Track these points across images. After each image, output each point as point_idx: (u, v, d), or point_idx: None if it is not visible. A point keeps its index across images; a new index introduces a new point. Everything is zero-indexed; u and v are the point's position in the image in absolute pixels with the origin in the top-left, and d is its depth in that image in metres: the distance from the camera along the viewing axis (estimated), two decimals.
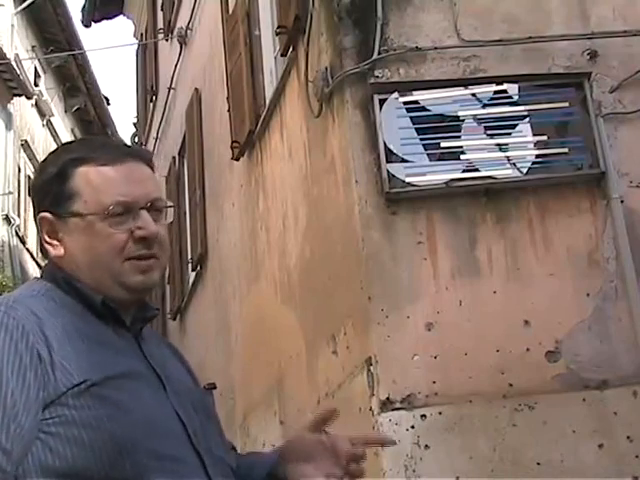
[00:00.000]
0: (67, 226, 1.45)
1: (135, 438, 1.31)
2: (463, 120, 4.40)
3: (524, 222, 4.34)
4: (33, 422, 1.26)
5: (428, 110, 4.41)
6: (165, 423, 1.38)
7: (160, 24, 11.51)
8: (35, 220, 1.50)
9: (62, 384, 1.29)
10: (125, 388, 1.34)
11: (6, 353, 1.27)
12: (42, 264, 1.57)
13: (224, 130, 7.24)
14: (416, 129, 4.36)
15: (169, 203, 1.58)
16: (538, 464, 3.97)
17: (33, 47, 15.68)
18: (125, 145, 1.63)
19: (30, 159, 15.06)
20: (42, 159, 1.56)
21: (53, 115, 16.47)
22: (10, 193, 13.93)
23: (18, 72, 13.68)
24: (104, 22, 14.76)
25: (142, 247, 1.45)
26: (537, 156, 4.37)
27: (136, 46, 13.84)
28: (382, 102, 4.39)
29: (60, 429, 1.27)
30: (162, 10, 11.47)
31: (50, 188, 1.47)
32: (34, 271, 13.87)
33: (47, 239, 1.46)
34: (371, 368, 4.10)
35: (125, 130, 66.11)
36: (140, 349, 1.46)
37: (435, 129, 4.37)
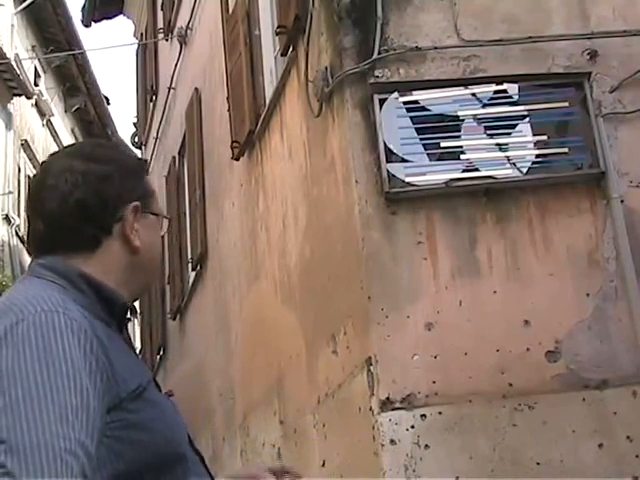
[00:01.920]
0: (144, 221, 1.49)
1: (180, 441, 1.35)
2: (463, 120, 4.40)
3: (524, 222, 4.34)
4: (101, 426, 1.25)
5: (428, 110, 4.41)
6: (183, 427, 1.42)
7: (160, 24, 11.51)
8: (105, 205, 1.44)
9: (122, 389, 1.29)
10: (156, 393, 1.38)
11: (79, 357, 1.24)
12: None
13: (224, 130, 7.25)
14: (416, 129, 4.36)
15: None
16: (538, 464, 3.97)
17: (33, 47, 15.68)
18: None
19: (30, 159, 15.06)
20: (88, 151, 1.52)
21: (53, 115, 16.46)
22: (10, 193, 13.93)
23: (18, 72, 13.68)
24: (104, 22, 14.78)
25: None
26: (537, 156, 4.37)
27: (136, 46, 13.85)
28: (382, 102, 4.39)
29: (122, 433, 1.27)
30: (162, 10, 11.47)
31: (139, 181, 1.51)
32: None
33: (131, 229, 1.46)
34: (371, 368, 4.10)
35: (125, 130, 66.09)
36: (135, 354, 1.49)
37: (435, 129, 4.37)
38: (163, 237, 1.61)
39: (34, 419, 1.14)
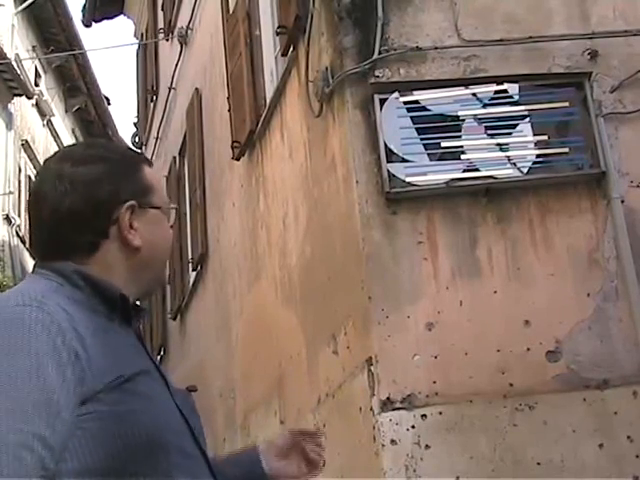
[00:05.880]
0: (144, 217, 1.46)
1: (165, 434, 1.33)
2: (463, 120, 4.40)
3: (524, 222, 4.34)
4: (71, 418, 1.25)
5: (428, 110, 4.41)
6: (178, 420, 1.40)
7: (160, 24, 11.51)
8: (99, 208, 1.42)
9: (98, 380, 1.28)
10: (148, 384, 1.36)
11: (46, 350, 1.25)
12: None
13: (225, 130, 7.25)
14: (416, 129, 4.36)
15: None
16: (538, 464, 3.97)
17: (33, 47, 15.68)
18: None
19: (31, 159, 15.06)
20: (77, 151, 1.49)
21: (54, 115, 16.46)
22: (11, 193, 13.94)
23: (18, 72, 13.68)
24: (104, 22, 14.77)
25: None
26: (537, 156, 4.37)
27: (136, 46, 13.85)
28: (382, 102, 4.39)
29: (96, 424, 1.27)
30: (162, 10, 11.47)
31: (133, 177, 1.47)
32: None
33: (128, 229, 1.44)
34: (371, 368, 4.10)
35: (125, 130, 66.15)
36: (144, 347, 1.47)
37: (435, 129, 4.37)
38: (172, 227, 1.58)
39: None
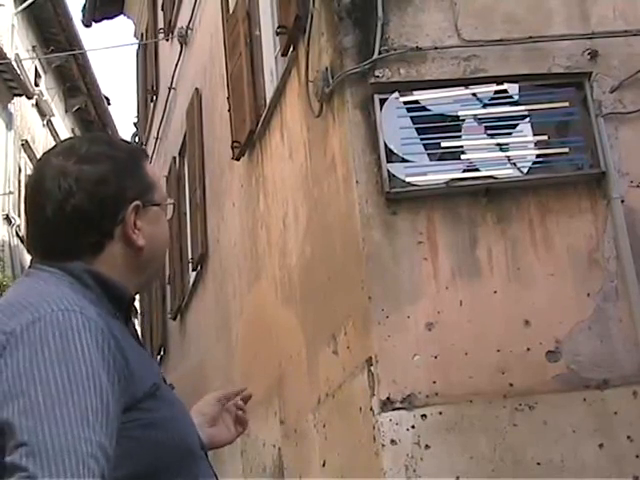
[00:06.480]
0: (146, 216, 1.43)
1: (188, 438, 1.35)
2: (463, 120, 4.40)
3: (524, 222, 4.34)
4: (118, 426, 1.23)
5: (428, 110, 4.41)
6: (191, 423, 1.42)
7: (160, 24, 11.52)
8: (99, 207, 1.38)
9: (139, 388, 1.28)
10: (167, 389, 1.38)
11: (97, 358, 1.22)
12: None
13: (224, 130, 7.25)
14: (416, 129, 4.36)
15: None
16: (538, 464, 3.97)
17: (33, 47, 15.69)
18: None
19: (31, 159, 15.07)
20: (87, 147, 1.43)
21: (53, 115, 16.47)
22: (11, 193, 13.94)
23: (18, 72, 13.69)
24: (104, 22, 14.78)
25: None
26: (537, 156, 4.37)
27: (136, 46, 13.85)
28: (382, 102, 4.39)
29: (138, 432, 1.26)
30: (162, 10, 11.47)
31: (136, 175, 1.44)
32: None
33: (134, 228, 1.41)
34: (371, 368, 4.10)
35: (125, 130, 66.16)
36: (143, 347, 1.47)
37: (435, 129, 4.37)
38: (169, 222, 1.59)
39: (55, 421, 1.13)
